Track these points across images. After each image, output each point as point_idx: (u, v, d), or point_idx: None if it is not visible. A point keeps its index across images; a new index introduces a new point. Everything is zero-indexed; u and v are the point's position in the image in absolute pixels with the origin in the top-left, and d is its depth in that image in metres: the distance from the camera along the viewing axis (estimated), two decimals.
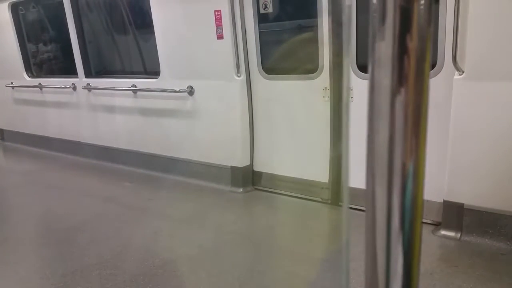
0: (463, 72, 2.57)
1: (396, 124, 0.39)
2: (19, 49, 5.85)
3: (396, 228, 0.43)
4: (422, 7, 0.37)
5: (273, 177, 3.89)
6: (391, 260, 0.44)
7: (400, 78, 0.38)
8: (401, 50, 0.37)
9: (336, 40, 3.21)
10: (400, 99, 0.38)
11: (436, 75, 2.79)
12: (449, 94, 2.67)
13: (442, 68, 2.76)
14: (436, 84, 2.79)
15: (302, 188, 3.67)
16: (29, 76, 5.99)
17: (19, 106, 6.30)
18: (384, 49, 0.38)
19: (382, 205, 0.43)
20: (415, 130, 0.39)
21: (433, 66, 2.80)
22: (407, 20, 0.37)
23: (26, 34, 5.93)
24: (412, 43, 0.37)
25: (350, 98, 3.20)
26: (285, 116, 3.69)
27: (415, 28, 0.37)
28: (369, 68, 0.40)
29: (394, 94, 0.38)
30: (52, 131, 5.86)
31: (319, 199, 3.57)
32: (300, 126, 3.64)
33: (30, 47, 5.99)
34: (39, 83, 5.77)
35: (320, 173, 3.53)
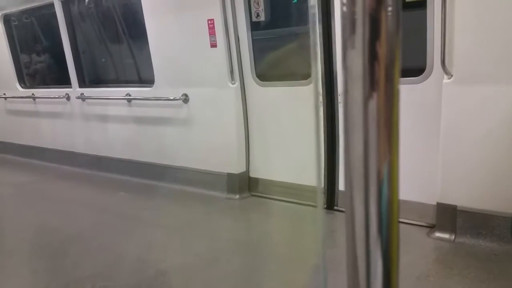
0: (452, 76, 2.60)
1: (369, 130, 0.40)
2: (11, 59, 5.84)
3: (374, 232, 0.44)
4: (390, 14, 0.38)
5: (269, 183, 3.88)
6: (371, 263, 0.45)
7: (371, 85, 0.39)
8: (371, 57, 0.38)
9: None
10: (372, 106, 0.39)
11: (426, 79, 2.82)
12: (439, 97, 2.70)
13: (432, 72, 2.79)
14: (426, 88, 2.82)
15: (298, 193, 3.67)
16: (22, 87, 5.97)
17: (12, 117, 6.28)
18: (355, 57, 0.39)
19: (360, 210, 0.44)
20: (388, 135, 0.40)
21: (422, 70, 2.83)
22: (376, 28, 0.38)
23: (19, 44, 5.93)
24: (382, 50, 0.38)
25: (339, 103, 3.22)
26: (280, 121, 3.70)
27: (383, 36, 0.38)
28: (342, 76, 0.41)
29: (366, 100, 0.39)
30: (45, 142, 5.83)
31: (315, 204, 3.57)
32: (295, 132, 3.65)
33: (23, 57, 5.98)
34: (32, 94, 5.76)
35: (316, 178, 3.54)
